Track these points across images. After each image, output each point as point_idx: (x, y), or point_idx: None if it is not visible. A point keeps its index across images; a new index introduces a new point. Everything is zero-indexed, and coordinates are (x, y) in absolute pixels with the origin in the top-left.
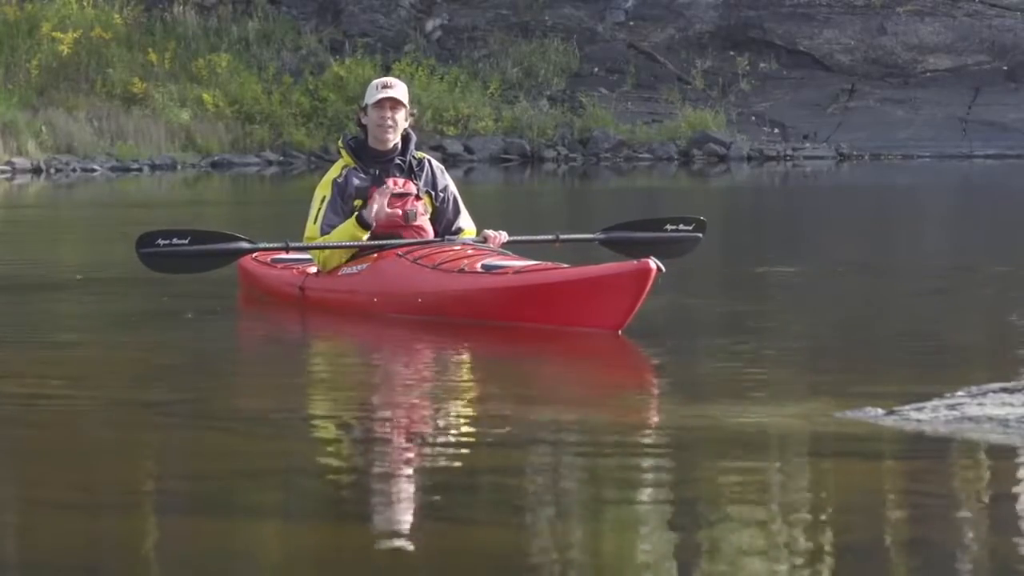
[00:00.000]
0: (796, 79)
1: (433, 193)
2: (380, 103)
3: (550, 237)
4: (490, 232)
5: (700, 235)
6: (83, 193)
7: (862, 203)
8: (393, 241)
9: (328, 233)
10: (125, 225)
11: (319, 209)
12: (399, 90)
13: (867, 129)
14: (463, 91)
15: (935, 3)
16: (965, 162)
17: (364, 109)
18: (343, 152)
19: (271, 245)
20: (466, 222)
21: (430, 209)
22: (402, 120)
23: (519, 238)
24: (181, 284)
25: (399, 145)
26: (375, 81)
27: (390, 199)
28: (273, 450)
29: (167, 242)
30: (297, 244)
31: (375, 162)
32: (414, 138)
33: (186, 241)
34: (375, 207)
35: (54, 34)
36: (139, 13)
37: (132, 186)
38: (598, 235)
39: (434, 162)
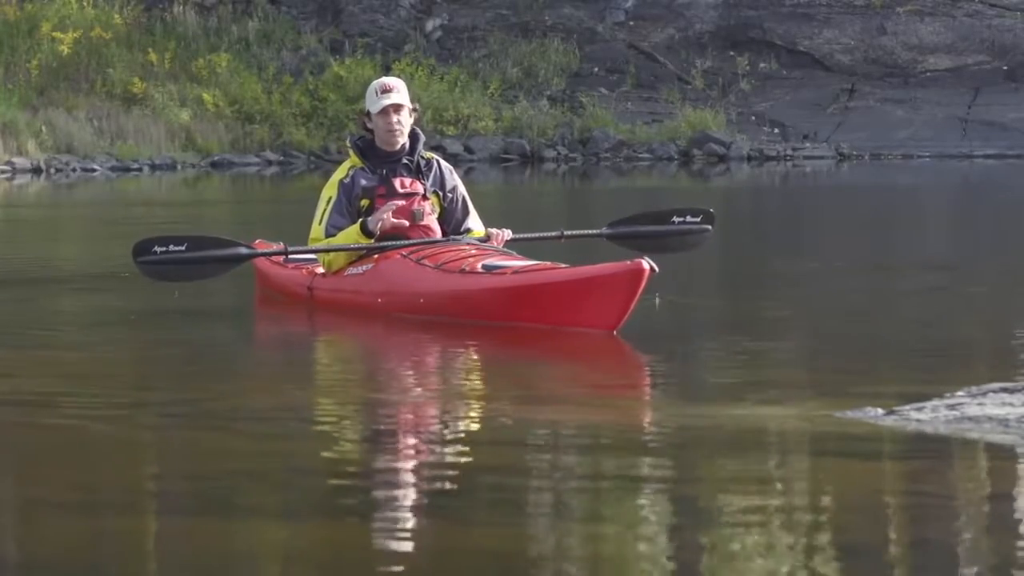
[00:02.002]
0: (796, 79)
1: (441, 193)
2: (384, 111)
3: (555, 234)
4: (494, 230)
5: (709, 227)
6: (83, 193)
7: (862, 203)
8: (396, 242)
9: (332, 235)
10: (127, 224)
11: (324, 210)
12: (399, 93)
13: (867, 129)
14: (463, 91)
15: (935, 3)
16: (965, 162)
17: (368, 116)
18: (350, 152)
19: (270, 250)
20: (475, 223)
21: (438, 209)
22: (407, 119)
23: (523, 235)
24: (187, 283)
25: (407, 145)
26: (373, 85)
27: (397, 206)
28: (273, 450)
29: (164, 249)
30: (296, 248)
31: (383, 162)
32: (422, 138)
33: (183, 247)
34: (380, 220)
35: (54, 34)
36: (139, 13)
37: (132, 186)
38: (604, 231)
39: (443, 162)
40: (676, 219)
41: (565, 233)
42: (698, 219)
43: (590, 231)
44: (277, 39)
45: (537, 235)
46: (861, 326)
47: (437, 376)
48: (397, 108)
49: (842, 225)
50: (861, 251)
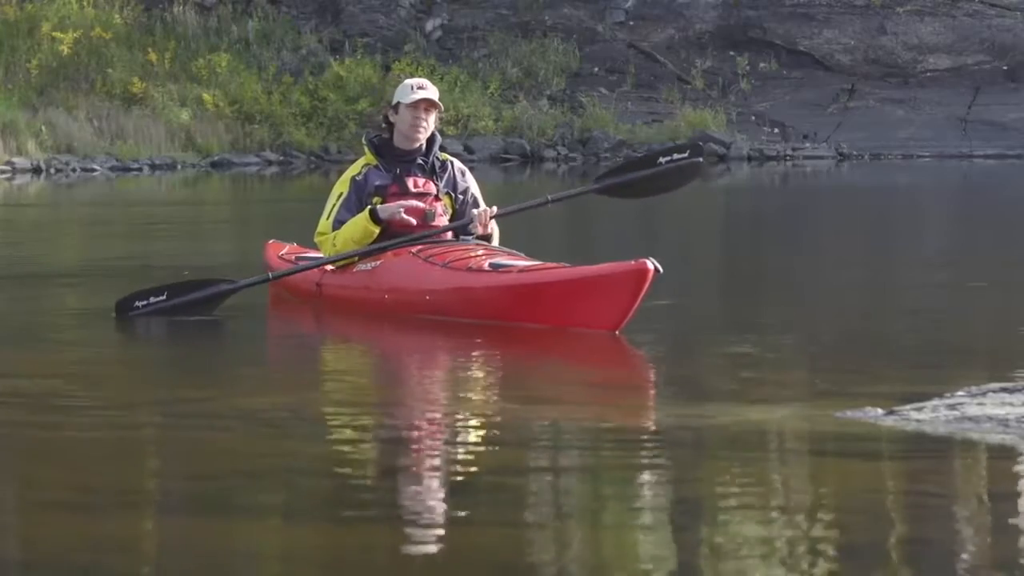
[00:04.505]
0: (796, 79)
1: (453, 195)
2: (416, 104)
3: (540, 200)
4: (476, 211)
5: (700, 159)
6: (83, 193)
7: (862, 203)
8: (397, 240)
9: (339, 228)
10: (127, 224)
11: (334, 205)
12: (434, 92)
13: (867, 129)
14: (463, 91)
15: (935, 3)
16: (965, 162)
17: (395, 107)
18: (366, 149)
19: (253, 280)
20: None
21: (450, 210)
22: (433, 122)
23: (508, 208)
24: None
25: (423, 146)
26: (409, 81)
27: (412, 205)
28: (273, 450)
29: (144, 303)
30: (278, 273)
31: (398, 161)
32: (439, 139)
33: (163, 296)
34: (392, 213)
35: (54, 34)
36: (139, 13)
37: (132, 186)
38: (591, 186)
39: (456, 163)
40: (663, 159)
41: (550, 198)
42: (686, 154)
43: (577, 189)
44: (277, 39)
45: (522, 205)
46: (861, 326)
47: (439, 376)
48: (429, 106)
49: (842, 225)
50: (861, 251)
